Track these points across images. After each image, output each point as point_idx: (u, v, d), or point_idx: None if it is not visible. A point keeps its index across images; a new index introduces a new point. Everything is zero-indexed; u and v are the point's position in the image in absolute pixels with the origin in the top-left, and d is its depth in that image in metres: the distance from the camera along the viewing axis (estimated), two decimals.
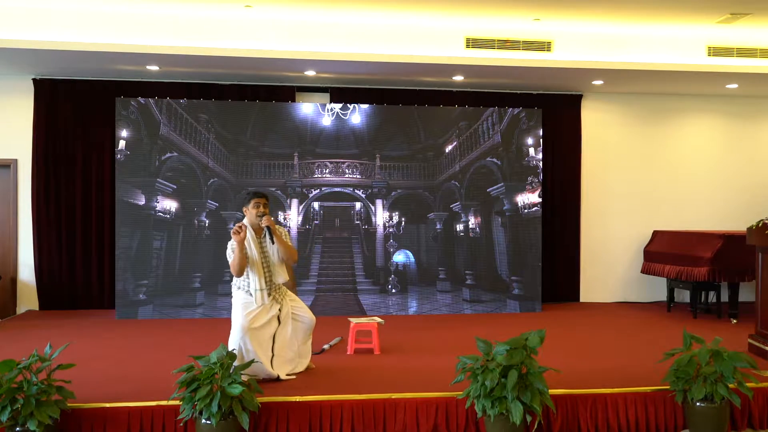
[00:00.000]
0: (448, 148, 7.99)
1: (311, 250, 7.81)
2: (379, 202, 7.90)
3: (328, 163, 7.87)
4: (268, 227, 4.69)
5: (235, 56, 6.96)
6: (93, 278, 8.00)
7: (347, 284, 7.86)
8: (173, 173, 7.55)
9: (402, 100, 8.27)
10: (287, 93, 8.22)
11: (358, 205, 7.92)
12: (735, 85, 8.35)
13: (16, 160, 8.01)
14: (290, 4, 6.55)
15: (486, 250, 8.03)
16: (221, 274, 7.62)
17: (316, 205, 7.83)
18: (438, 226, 7.99)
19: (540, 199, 8.04)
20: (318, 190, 7.83)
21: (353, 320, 5.87)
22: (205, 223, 7.62)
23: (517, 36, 7.26)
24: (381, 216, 7.91)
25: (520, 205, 8.00)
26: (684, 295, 8.56)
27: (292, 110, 7.83)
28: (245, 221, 4.78)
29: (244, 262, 4.62)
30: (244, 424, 3.95)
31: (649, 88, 8.57)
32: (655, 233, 8.68)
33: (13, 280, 8.05)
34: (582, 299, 8.88)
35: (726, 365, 4.22)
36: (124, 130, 7.46)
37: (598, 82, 8.25)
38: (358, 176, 7.89)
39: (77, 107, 7.95)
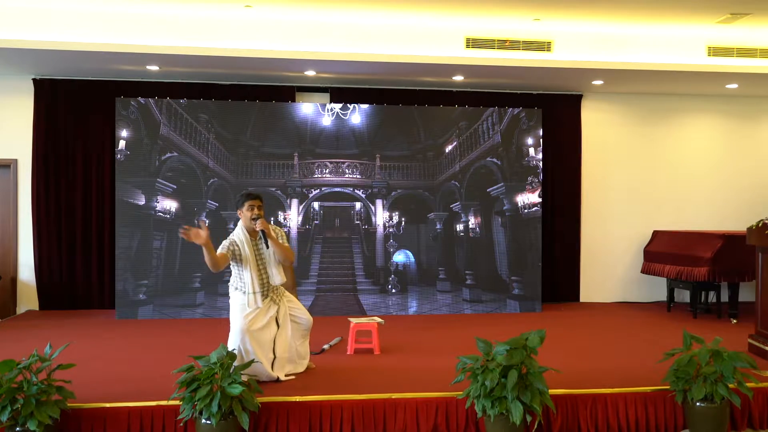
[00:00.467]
0: (448, 148, 7.99)
1: (311, 250, 7.81)
2: (379, 202, 7.90)
3: (328, 163, 7.87)
4: (262, 230, 4.64)
5: (235, 56, 6.96)
6: (93, 278, 8.00)
7: (347, 284, 7.86)
8: (173, 173, 7.55)
9: (402, 100, 8.27)
10: (287, 93, 8.22)
11: (358, 205, 7.92)
12: (735, 85, 8.35)
13: (16, 160, 8.01)
14: (290, 4, 6.55)
15: (486, 250, 8.03)
16: (221, 274, 7.59)
17: (316, 205, 7.83)
18: (438, 226, 7.99)
19: (540, 199, 8.04)
20: (318, 190, 7.83)
21: (353, 320, 5.87)
22: (206, 223, 7.59)
23: (517, 36, 7.26)
24: (381, 216, 7.91)
25: (520, 205, 8.00)
26: (684, 295, 8.56)
27: (292, 110, 7.83)
28: (240, 224, 4.75)
29: (214, 260, 4.52)
30: (244, 424, 3.95)
31: (649, 88, 8.56)
32: (655, 233, 8.68)
33: (13, 280, 8.05)
34: (582, 299, 8.88)
35: (726, 365, 4.22)
36: (124, 130, 7.46)
37: (598, 82, 8.25)
38: (358, 176, 7.89)
39: (77, 107, 7.95)
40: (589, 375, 4.88)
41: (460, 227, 8.02)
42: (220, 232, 7.60)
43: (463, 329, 6.86)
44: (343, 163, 7.87)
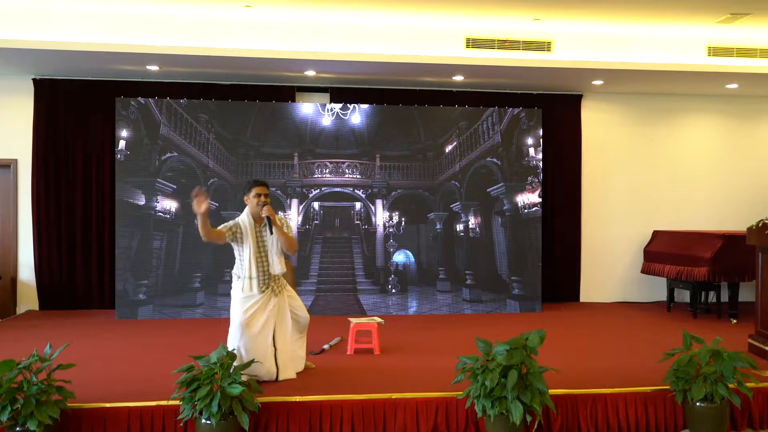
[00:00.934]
0: (448, 148, 7.99)
1: (311, 250, 7.81)
2: (379, 202, 7.90)
3: (328, 163, 7.87)
4: (268, 217, 4.66)
5: (235, 56, 6.96)
6: (93, 278, 8.00)
7: (347, 284, 7.86)
8: (173, 173, 7.55)
9: (402, 100, 8.27)
10: (287, 93, 8.22)
11: (358, 205, 7.92)
12: (735, 85, 8.35)
13: (16, 160, 8.01)
14: (290, 4, 6.55)
15: (486, 250, 8.03)
16: (221, 273, 7.62)
17: (316, 205, 7.83)
18: (438, 226, 7.99)
19: (540, 199, 8.04)
20: (318, 190, 7.83)
21: (353, 320, 5.87)
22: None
23: (517, 36, 7.26)
24: (381, 216, 7.91)
25: (520, 205, 8.00)
26: (684, 295, 8.55)
27: (292, 110, 7.83)
28: (246, 210, 4.77)
29: (208, 231, 4.57)
30: (244, 424, 3.96)
31: (649, 88, 8.56)
32: (655, 233, 8.68)
33: (13, 280, 8.05)
34: (582, 299, 8.88)
35: (726, 365, 4.22)
36: (124, 130, 7.46)
37: (598, 82, 8.25)
38: (358, 176, 7.89)
39: (77, 107, 7.95)
40: (589, 375, 4.88)
41: (460, 227, 8.02)
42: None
43: (463, 329, 6.86)
44: (343, 163, 7.87)
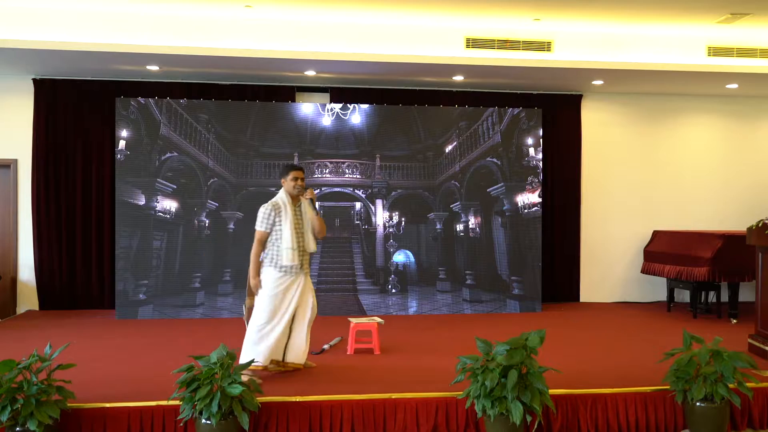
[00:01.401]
0: (448, 148, 7.99)
1: None
2: (379, 202, 7.90)
3: (328, 163, 7.87)
4: (311, 199, 5.09)
5: (235, 56, 6.96)
6: (93, 278, 8.00)
7: (347, 284, 7.86)
8: (173, 173, 7.55)
9: (402, 100, 8.27)
10: (287, 93, 8.22)
11: (358, 205, 7.92)
12: (735, 85, 8.35)
13: (16, 160, 8.01)
14: (290, 4, 6.55)
15: (486, 250, 8.03)
16: (221, 274, 7.63)
17: (316, 205, 7.81)
18: (438, 226, 7.99)
19: (540, 199, 8.04)
20: (318, 190, 7.82)
21: (353, 320, 5.87)
22: (205, 223, 7.62)
23: (517, 36, 7.26)
24: (381, 216, 7.91)
25: (520, 205, 8.00)
26: (684, 295, 8.56)
27: (292, 110, 7.84)
28: (282, 190, 5.03)
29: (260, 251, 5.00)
30: (244, 424, 3.95)
31: (649, 88, 8.57)
32: (655, 233, 8.68)
33: (13, 280, 8.05)
34: (582, 299, 8.88)
35: (726, 365, 4.22)
36: (124, 130, 7.46)
37: (598, 82, 8.25)
38: (358, 176, 7.89)
39: (77, 107, 7.95)
40: (589, 375, 4.88)
41: (460, 227, 8.02)
42: (220, 232, 7.63)
43: (463, 329, 6.86)
44: (343, 163, 7.87)
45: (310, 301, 5.04)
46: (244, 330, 5.77)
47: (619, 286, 8.98)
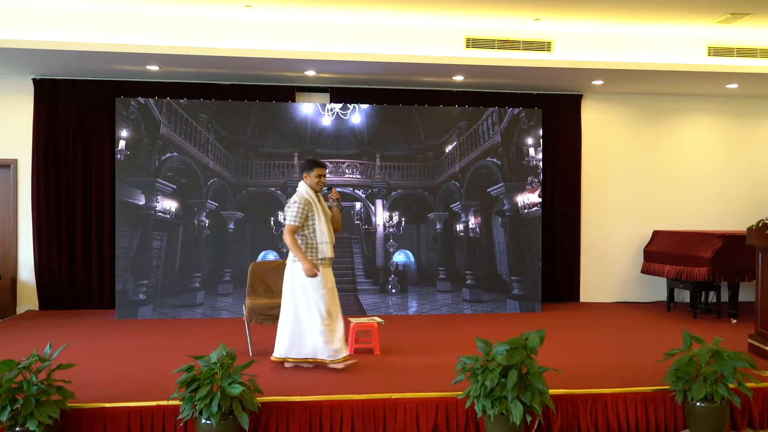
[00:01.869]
0: (448, 148, 7.99)
1: None
2: (379, 202, 7.90)
3: (328, 163, 7.85)
4: (337, 199, 5.28)
5: (235, 56, 6.96)
6: (93, 278, 8.00)
7: (347, 284, 7.85)
8: (173, 173, 7.55)
9: (402, 100, 8.27)
10: (287, 93, 8.22)
11: (358, 205, 7.92)
12: (735, 85, 8.35)
13: (16, 160, 8.01)
14: (290, 4, 6.55)
15: (486, 250, 8.02)
16: (221, 274, 7.63)
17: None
18: (438, 226, 7.99)
19: (540, 199, 8.04)
20: None
21: (353, 320, 5.87)
22: (205, 223, 7.62)
23: (517, 36, 7.26)
24: (381, 216, 7.91)
25: (520, 205, 8.00)
26: (684, 295, 8.56)
27: (292, 110, 7.83)
28: (304, 186, 5.14)
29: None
30: (244, 424, 3.95)
31: (649, 88, 8.56)
32: (655, 233, 8.68)
33: (13, 280, 8.05)
34: (582, 299, 8.88)
35: (726, 365, 4.22)
36: (124, 130, 7.46)
37: (598, 82, 8.25)
38: (358, 176, 7.89)
39: (77, 107, 7.95)
40: (589, 375, 4.88)
41: (460, 227, 8.02)
42: (220, 232, 7.63)
43: (463, 329, 6.86)
44: (343, 163, 7.87)
45: (337, 295, 5.24)
46: (245, 330, 5.79)
47: (619, 286, 8.98)
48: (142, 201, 7.47)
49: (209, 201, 7.63)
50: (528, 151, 8.02)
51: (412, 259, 7.99)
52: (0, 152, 8.00)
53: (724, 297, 7.91)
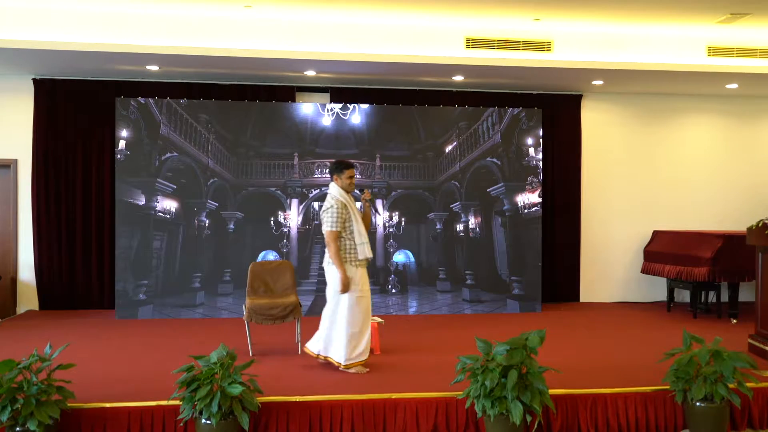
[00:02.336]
0: (448, 148, 7.99)
1: (311, 250, 7.81)
2: (379, 202, 7.90)
3: (328, 163, 7.85)
4: (369, 200, 5.30)
5: (235, 56, 6.96)
6: (93, 278, 8.00)
7: None
8: (173, 173, 7.55)
9: (402, 100, 8.27)
10: (287, 93, 8.22)
11: (358, 205, 7.90)
12: (735, 85, 8.35)
13: (16, 160, 8.01)
14: (290, 4, 6.55)
15: (486, 250, 8.02)
16: (221, 274, 7.63)
17: (316, 205, 7.82)
18: (438, 226, 7.99)
19: (540, 199, 8.04)
20: (318, 190, 7.83)
21: None
22: (205, 223, 7.62)
23: (517, 36, 7.26)
24: (381, 216, 7.91)
25: (520, 205, 8.00)
26: (684, 295, 8.55)
27: (292, 110, 7.83)
28: (336, 187, 5.11)
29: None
30: (244, 424, 3.96)
31: (649, 88, 8.56)
32: (655, 233, 8.68)
33: (13, 280, 8.05)
34: (582, 299, 8.88)
35: (726, 365, 4.22)
36: (124, 130, 7.46)
37: (598, 82, 8.25)
38: (358, 176, 7.87)
39: (77, 107, 7.95)
40: (589, 375, 4.88)
41: (460, 227, 8.02)
42: (220, 232, 7.63)
43: (463, 329, 6.86)
44: None
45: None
46: (245, 330, 5.79)
47: (619, 286, 8.98)
48: (142, 201, 7.47)
49: (209, 201, 7.63)
50: (528, 151, 8.02)
51: (412, 259, 7.99)
52: (0, 152, 8.00)
53: (724, 297, 7.91)
